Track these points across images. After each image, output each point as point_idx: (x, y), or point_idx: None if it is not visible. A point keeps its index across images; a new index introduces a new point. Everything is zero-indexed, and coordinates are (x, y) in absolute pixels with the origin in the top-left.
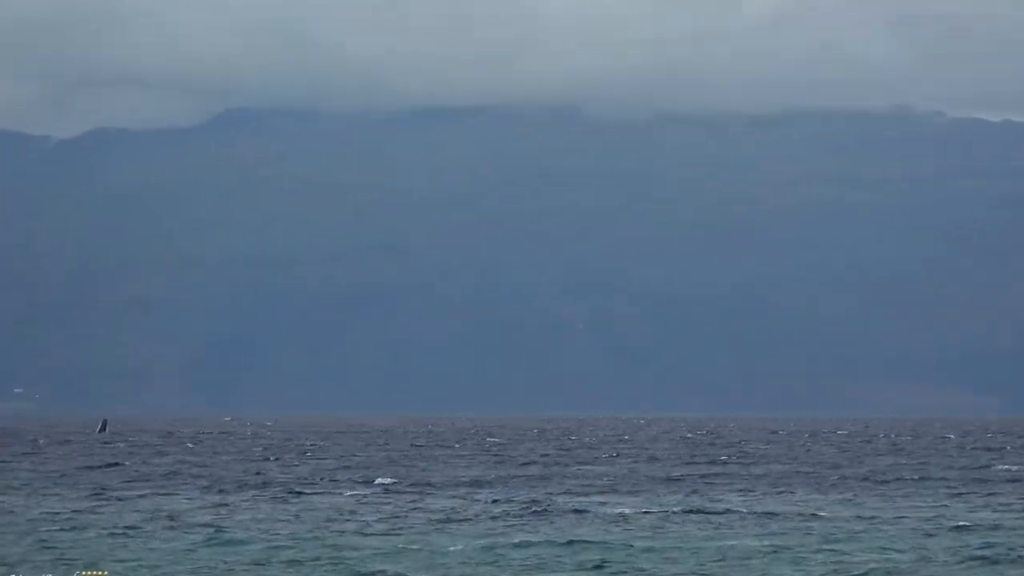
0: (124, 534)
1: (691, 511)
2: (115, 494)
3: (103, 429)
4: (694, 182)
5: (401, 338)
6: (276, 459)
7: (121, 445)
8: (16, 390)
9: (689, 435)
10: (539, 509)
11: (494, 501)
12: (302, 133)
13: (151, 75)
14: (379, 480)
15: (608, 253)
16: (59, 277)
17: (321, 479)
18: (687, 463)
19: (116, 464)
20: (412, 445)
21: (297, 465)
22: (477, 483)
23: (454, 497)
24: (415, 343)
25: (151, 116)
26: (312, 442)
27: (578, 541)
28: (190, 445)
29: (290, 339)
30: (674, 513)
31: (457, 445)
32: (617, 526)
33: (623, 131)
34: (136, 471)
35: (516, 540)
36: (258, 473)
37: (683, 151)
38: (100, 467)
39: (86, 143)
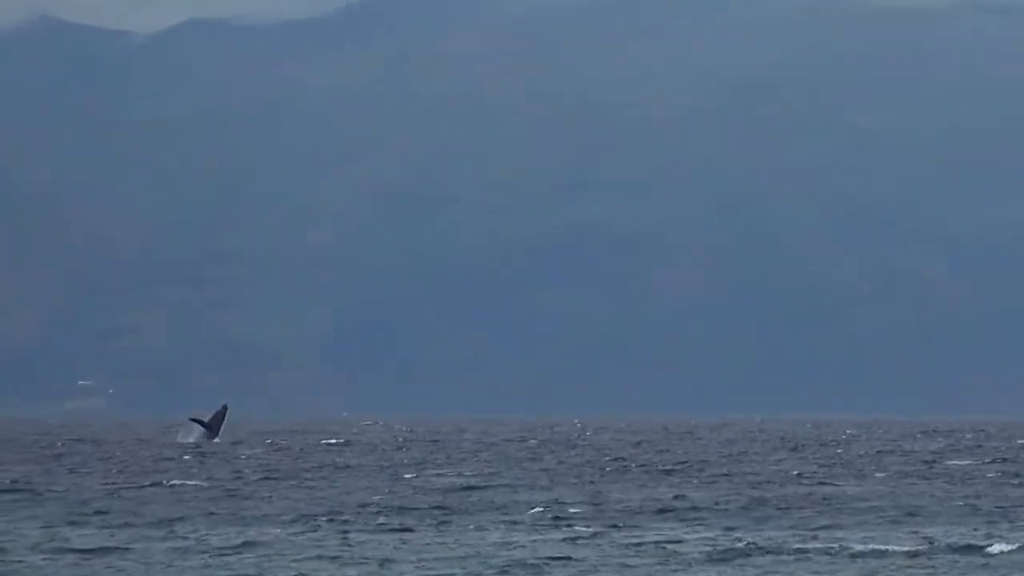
0: None
1: (989, 552)
2: (180, 525)
3: (215, 425)
4: (1014, 92)
5: (616, 308)
6: (417, 475)
7: (211, 461)
8: (81, 382)
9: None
10: (767, 550)
11: (714, 537)
12: (469, 26)
13: None
14: (559, 505)
15: (900, 187)
16: (140, 230)
17: (477, 504)
18: (995, 484)
19: (184, 483)
20: (614, 458)
21: (442, 481)
22: (697, 509)
23: (660, 531)
24: (635, 313)
25: (262, 3)
26: (475, 454)
27: None
28: (309, 460)
29: (454, 311)
30: (958, 550)
31: (683, 460)
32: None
33: (910, 20)
34: (221, 491)
35: None
36: (388, 492)
37: (1002, 49)
38: (169, 486)
39: (174, 41)
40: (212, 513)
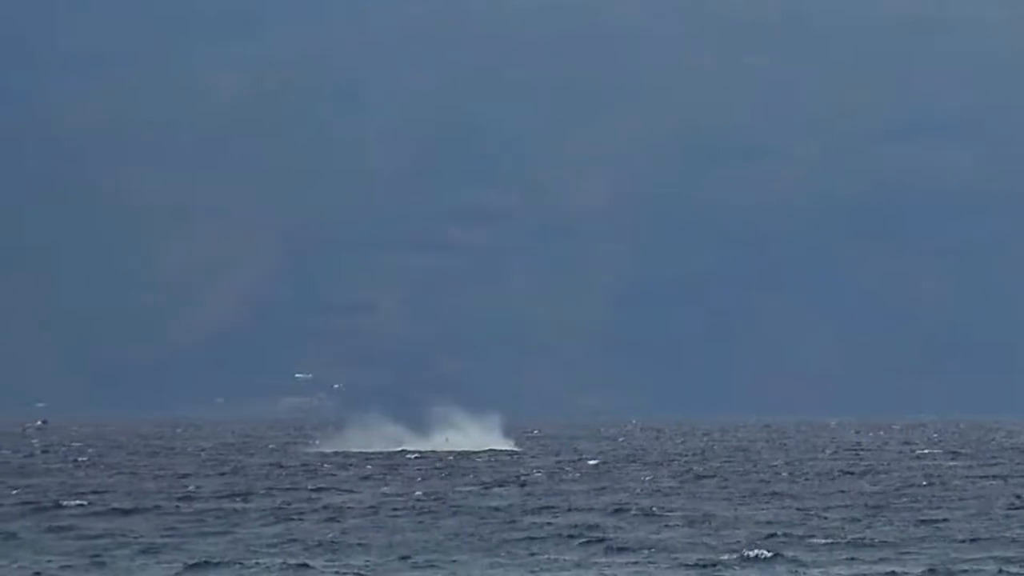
0: None
1: None
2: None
3: None
4: None
5: (961, 284)
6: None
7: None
8: (298, 375)
9: None
10: None
11: None
12: None
13: None
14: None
15: None
16: (372, 183)
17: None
18: None
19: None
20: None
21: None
22: None
23: None
24: (987, 291)
25: None
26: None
27: None
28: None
29: (764, 284)
30: None
31: None
32: None
33: None
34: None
35: None
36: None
37: None
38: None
39: None
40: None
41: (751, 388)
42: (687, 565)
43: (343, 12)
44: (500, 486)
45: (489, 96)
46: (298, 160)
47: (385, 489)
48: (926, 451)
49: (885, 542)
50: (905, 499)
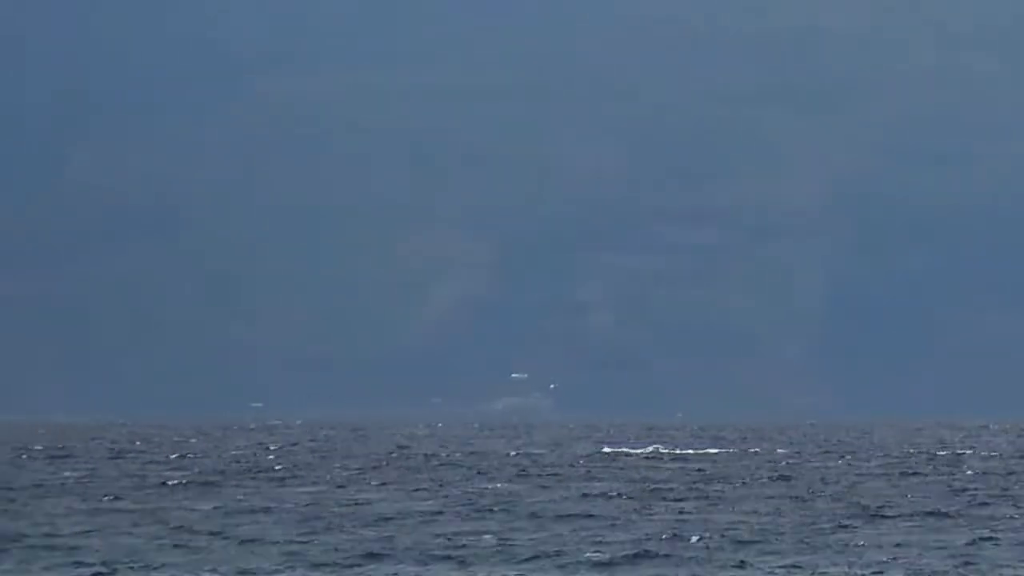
0: None
1: None
2: None
3: None
4: None
5: None
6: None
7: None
8: (514, 375)
9: None
10: None
11: None
12: None
13: None
14: None
15: None
16: (584, 179)
17: None
18: None
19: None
20: None
21: None
22: None
23: None
24: None
25: None
26: None
27: None
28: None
29: (978, 287)
30: None
31: None
32: None
33: None
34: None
35: None
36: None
37: None
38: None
39: None
40: None
41: (966, 389)
42: None
43: (569, 10)
44: None
45: (704, 98)
46: (517, 161)
47: None
48: None
49: None
50: None
